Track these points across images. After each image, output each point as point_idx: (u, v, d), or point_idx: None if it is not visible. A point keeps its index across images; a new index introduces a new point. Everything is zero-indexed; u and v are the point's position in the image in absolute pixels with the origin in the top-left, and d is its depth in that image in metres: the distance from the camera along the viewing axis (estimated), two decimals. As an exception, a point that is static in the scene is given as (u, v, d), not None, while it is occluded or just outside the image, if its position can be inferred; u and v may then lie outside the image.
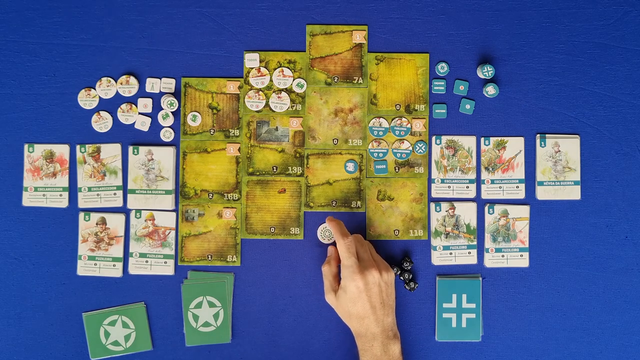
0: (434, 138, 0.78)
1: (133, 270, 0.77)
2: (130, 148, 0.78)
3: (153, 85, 0.78)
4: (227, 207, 0.77)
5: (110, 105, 0.78)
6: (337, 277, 0.72)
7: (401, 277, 0.77)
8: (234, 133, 0.78)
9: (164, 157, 0.77)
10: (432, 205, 0.78)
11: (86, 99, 0.78)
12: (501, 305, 0.77)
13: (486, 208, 0.78)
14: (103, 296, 0.77)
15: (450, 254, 0.78)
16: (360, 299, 0.68)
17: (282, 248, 0.78)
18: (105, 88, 0.78)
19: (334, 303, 0.71)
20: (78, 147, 0.78)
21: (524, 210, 0.78)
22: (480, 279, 0.77)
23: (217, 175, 0.78)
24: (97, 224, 0.77)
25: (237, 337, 0.77)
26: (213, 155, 0.78)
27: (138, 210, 0.77)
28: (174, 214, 0.77)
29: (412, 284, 0.77)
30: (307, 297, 0.77)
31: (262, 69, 0.78)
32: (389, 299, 0.69)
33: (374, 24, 0.78)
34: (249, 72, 0.78)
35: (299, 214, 0.78)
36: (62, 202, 0.77)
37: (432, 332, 0.77)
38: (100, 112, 0.78)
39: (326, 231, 0.77)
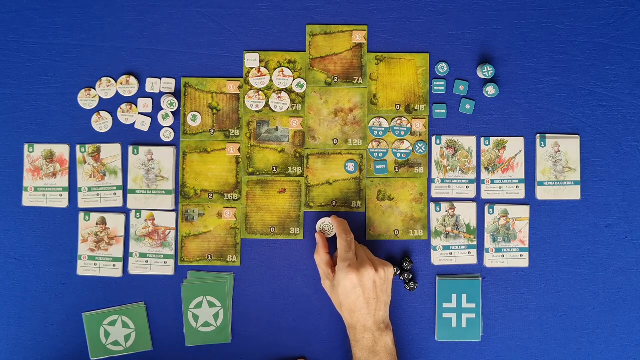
0: (434, 138, 0.78)
1: (133, 270, 0.77)
2: (130, 148, 0.78)
3: (153, 85, 0.78)
4: (227, 207, 0.78)
5: (110, 105, 0.78)
6: (331, 264, 0.73)
7: (401, 277, 0.77)
8: (234, 133, 0.78)
9: (164, 157, 0.77)
10: (432, 205, 0.78)
11: (86, 99, 0.78)
12: (501, 305, 0.77)
13: (486, 208, 0.78)
14: (103, 296, 0.77)
15: (450, 254, 0.78)
16: (354, 293, 0.68)
17: (282, 248, 0.78)
18: (105, 88, 0.78)
19: (330, 291, 0.72)
20: (78, 147, 0.78)
21: (524, 210, 0.78)
22: (480, 279, 0.77)
23: (217, 175, 0.78)
24: (97, 224, 0.77)
25: (237, 337, 0.77)
26: (213, 155, 0.78)
27: (138, 210, 0.77)
28: (174, 214, 0.77)
29: (412, 284, 0.77)
30: (307, 297, 0.77)
31: (262, 69, 0.78)
32: (383, 295, 0.70)
33: (374, 24, 0.78)
34: (249, 72, 0.78)
35: (299, 214, 0.78)
36: (62, 202, 0.77)
37: (432, 332, 0.77)
38: (100, 112, 0.78)
39: (325, 226, 0.77)
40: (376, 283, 0.69)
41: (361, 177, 0.78)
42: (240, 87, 0.78)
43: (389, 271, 0.71)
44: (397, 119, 0.78)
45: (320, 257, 0.73)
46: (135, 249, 0.77)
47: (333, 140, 0.78)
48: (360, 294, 0.68)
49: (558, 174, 0.78)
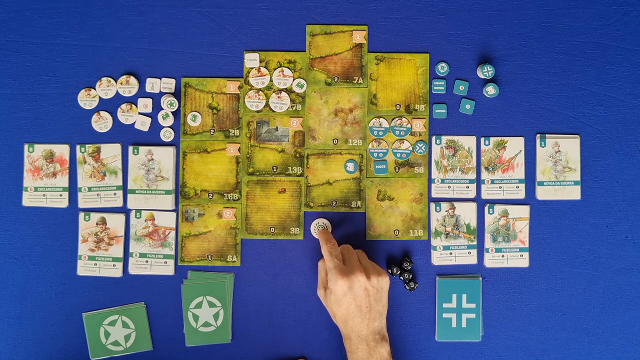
0: (434, 138, 0.78)
1: (133, 270, 0.77)
2: (130, 148, 0.78)
3: (153, 85, 0.78)
4: (227, 207, 0.78)
5: (110, 105, 0.78)
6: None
7: (401, 277, 0.77)
8: (234, 133, 0.78)
9: (164, 157, 0.77)
10: (432, 205, 0.78)
11: (86, 99, 0.78)
12: (501, 305, 0.77)
13: (486, 208, 0.78)
14: (103, 296, 0.77)
15: (450, 254, 0.78)
16: (345, 301, 0.67)
17: (282, 248, 0.78)
18: (105, 88, 0.78)
19: (324, 299, 0.71)
20: (78, 147, 0.78)
21: (524, 210, 0.78)
22: (480, 279, 0.77)
23: (217, 175, 0.78)
24: (97, 224, 0.77)
25: (237, 337, 0.77)
26: (213, 155, 0.78)
27: (138, 210, 0.77)
28: (174, 214, 0.77)
29: (412, 284, 0.77)
30: (307, 297, 0.77)
31: (262, 69, 0.78)
32: (377, 304, 0.68)
33: (374, 24, 0.78)
34: (249, 72, 0.78)
35: (299, 214, 0.78)
36: (62, 202, 0.77)
37: (432, 332, 0.77)
38: (100, 112, 0.78)
39: (319, 227, 0.77)
40: (368, 291, 0.67)
41: (361, 177, 0.78)
42: (240, 87, 0.78)
43: (383, 280, 0.69)
44: (397, 119, 0.78)
45: (324, 265, 0.71)
46: (135, 249, 0.77)
47: (333, 140, 0.78)
48: (351, 301, 0.67)
49: (558, 174, 0.78)
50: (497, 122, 0.78)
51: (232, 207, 0.78)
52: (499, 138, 0.78)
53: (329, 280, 0.68)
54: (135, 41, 0.78)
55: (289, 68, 0.78)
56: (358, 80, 0.78)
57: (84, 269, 0.77)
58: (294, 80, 0.78)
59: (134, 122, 0.78)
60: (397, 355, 0.75)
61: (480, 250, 0.78)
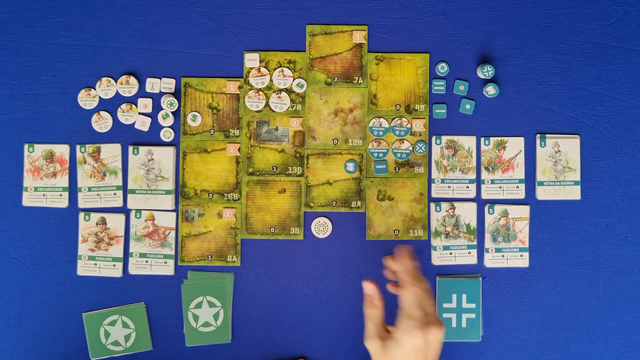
0: (434, 138, 0.78)
1: (133, 270, 0.77)
2: (130, 148, 0.78)
3: (153, 85, 0.78)
4: (227, 207, 0.77)
5: (110, 105, 0.78)
6: (384, 322, 0.64)
7: (401, 277, 0.76)
8: (234, 133, 0.78)
9: (164, 157, 0.77)
10: (432, 205, 0.78)
11: (86, 99, 0.78)
12: (501, 305, 0.77)
13: (486, 208, 0.78)
14: (103, 296, 0.77)
15: (450, 254, 0.78)
16: (416, 358, 0.58)
17: (282, 248, 0.78)
18: (105, 88, 0.78)
19: (378, 352, 0.61)
20: (78, 147, 0.78)
21: (524, 210, 0.78)
22: (480, 279, 0.77)
23: (217, 175, 0.78)
24: (97, 224, 0.77)
25: (237, 337, 0.77)
26: (213, 155, 0.78)
27: (138, 210, 0.77)
28: (174, 214, 0.77)
29: (412, 284, 0.77)
30: (307, 297, 0.77)
31: (262, 69, 0.78)
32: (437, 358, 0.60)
33: (374, 24, 0.78)
34: (249, 72, 0.78)
35: (299, 214, 0.78)
36: (62, 202, 0.77)
37: (432, 332, 0.77)
38: (100, 112, 0.78)
39: (320, 226, 0.77)
40: (436, 347, 0.59)
41: (361, 177, 0.78)
42: (240, 87, 0.78)
43: (444, 331, 0.60)
44: (397, 119, 0.78)
45: (377, 312, 0.63)
46: (135, 249, 0.77)
47: (333, 140, 0.78)
48: (422, 359, 0.59)
49: (558, 174, 0.78)
50: (497, 122, 0.78)
51: (232, 207, 0.78)
52: (499, 138, 0.78)
53: (403, 330, 0.59)
54: (135, 41, 0.78)
55: (289, 68, 0.78)
56: (358, 80, 0.78)
57: (84, 269, 0.77)
58: (294, 80, 0.78)
59: (134, 122, 0.78)
60: None
61: (480, 250, 0.78)
